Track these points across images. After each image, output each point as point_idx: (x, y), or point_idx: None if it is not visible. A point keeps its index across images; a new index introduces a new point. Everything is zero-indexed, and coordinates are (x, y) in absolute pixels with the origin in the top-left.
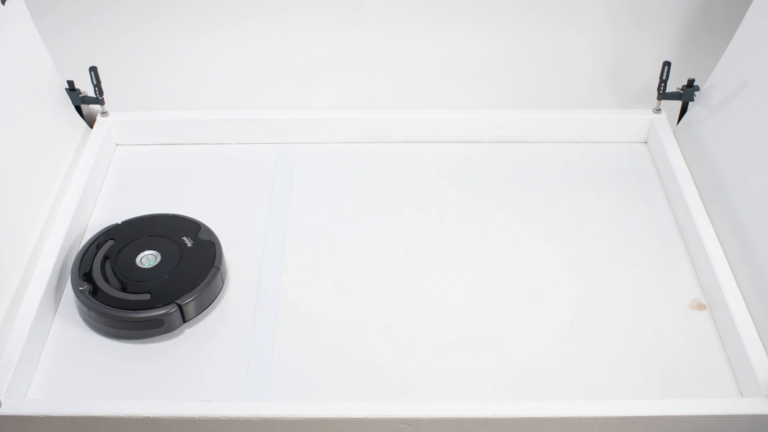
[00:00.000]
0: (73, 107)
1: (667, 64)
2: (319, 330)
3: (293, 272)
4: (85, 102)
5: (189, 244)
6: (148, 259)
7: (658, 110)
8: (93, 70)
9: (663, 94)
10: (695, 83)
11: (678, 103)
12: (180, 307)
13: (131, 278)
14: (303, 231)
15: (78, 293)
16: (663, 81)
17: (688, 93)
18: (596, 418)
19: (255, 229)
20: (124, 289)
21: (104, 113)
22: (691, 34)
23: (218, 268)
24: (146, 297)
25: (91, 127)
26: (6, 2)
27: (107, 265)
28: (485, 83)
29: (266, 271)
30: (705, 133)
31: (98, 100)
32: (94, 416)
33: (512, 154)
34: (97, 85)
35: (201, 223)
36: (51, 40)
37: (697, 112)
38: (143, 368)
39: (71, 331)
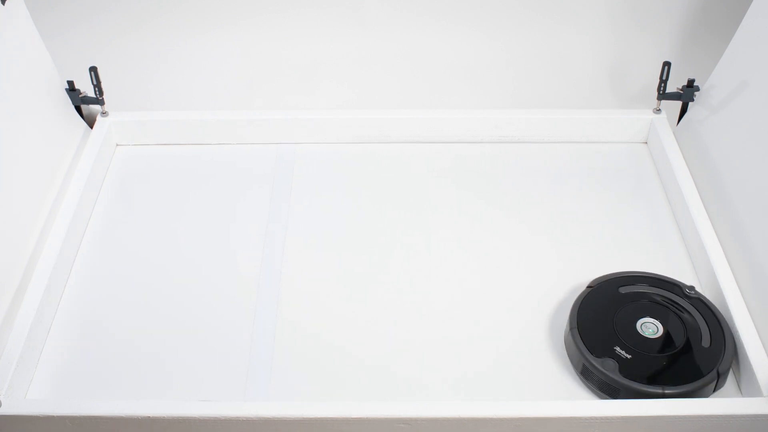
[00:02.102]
0: (73, 107)
1: (667, 64)
2: (319, 330)
3: (293, 272)
4: (85, 102)
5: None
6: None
7: (658, 110)
8: (93, 70)
9: (663, 94)
10: (695, 83)
11: (678, 103)
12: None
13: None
14: (303, 231)
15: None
16: (663, 81)
17: (688, 93)
18: (596, 418)
19: (255, 229)
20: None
21: (104, 113)
22: (691, 34)
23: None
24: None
25: (91, 127)
26: (6, 2)
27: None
28: (485, 83)
29: (266, 271)
30: (705, 133)
31: (98, 100)
32: (94, 416)
33: (512, 154)
34: (97, 85)
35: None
36: (51, 40)
37: (697, 112)
38: (143, 368)
39: (71, 331)
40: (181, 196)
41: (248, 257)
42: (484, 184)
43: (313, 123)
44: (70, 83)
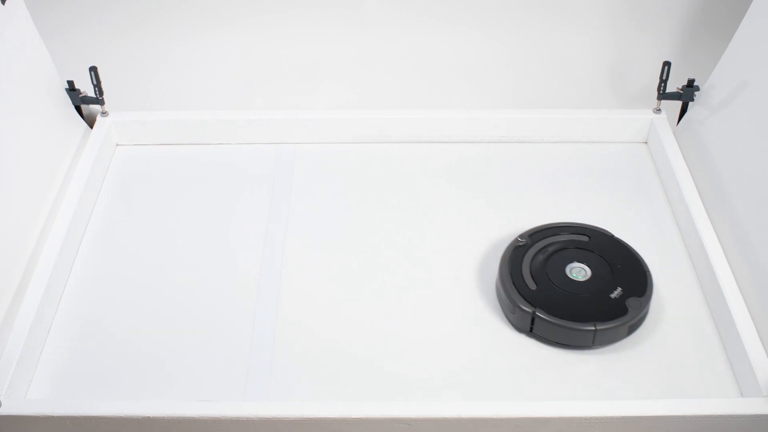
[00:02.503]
0: (73, 107)
1: (667, 64)
2: (319, 330)
3: (293, 272)
4: (85, 102)
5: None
6: (578, 271)
7: (658, 110)
8: (93, 70)
9: (663, 94)
10: (695, 83)
11: (678, 103)
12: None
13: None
14: (303, 231)
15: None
16: (663, 81)
17: (688, 93)
18: (596, 418)
19: (255, 229)
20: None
21: (104, 113)
22: (691, 34)
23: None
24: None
25: (91, 127)
26: (6, 2)
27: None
28: (485, 83)
29: (266, 271)
30: (705, 133)
31: (98, 100)
32: (94, 416)
33: (512, 154)
34: (97, 85)
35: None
36: (51, 40)
37: (697, 112)
38: (143, 368)
39: (71, 331)
40: (181, 196)
41: (248, 257)
42: (483, 184)
43: (313, 123)
44: (70, 83)
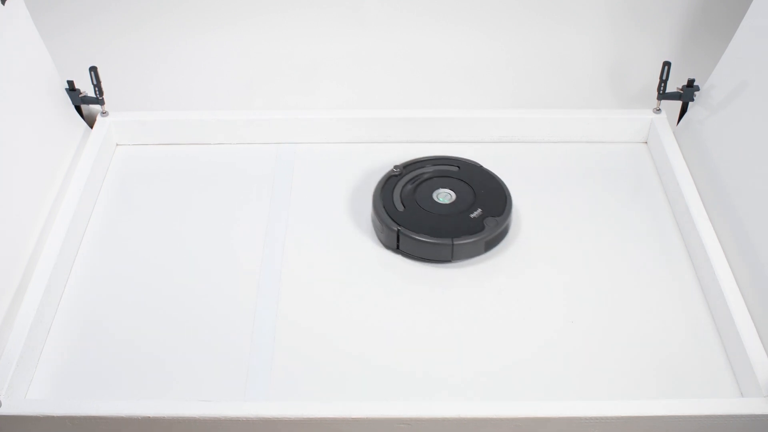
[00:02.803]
0: (73, 107)
1: (667, 64)
2: (319, 330)
3: (293, 272)
4: (85, 102)
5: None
6: (444, 196)
7: (658, 110)
8: (93, 70)
9: (663, 94)
10: (695, 83)
11: (678, 103)
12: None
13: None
14: (303, 231)
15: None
16: (663, 81)
17: (688, 93)
18: (596, 418)
19: (255, 230)
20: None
21: (104, 113)
22: (691, 34)
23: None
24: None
25: (91, 127)
26: (6, 2)
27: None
28: (485, 83)
29: (266, 271)
30: (705, 133)
31: (98, 100)
32: (94, 416)
33: (512, 154)
34: (97, 85)
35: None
36: (51, 40)
37: (697, 112)
38: (143, 368)
39: (71, 331)
40: (181, 196)
41: (248, 257)
42: None
43: (313, 123)
44: (70, 83)
